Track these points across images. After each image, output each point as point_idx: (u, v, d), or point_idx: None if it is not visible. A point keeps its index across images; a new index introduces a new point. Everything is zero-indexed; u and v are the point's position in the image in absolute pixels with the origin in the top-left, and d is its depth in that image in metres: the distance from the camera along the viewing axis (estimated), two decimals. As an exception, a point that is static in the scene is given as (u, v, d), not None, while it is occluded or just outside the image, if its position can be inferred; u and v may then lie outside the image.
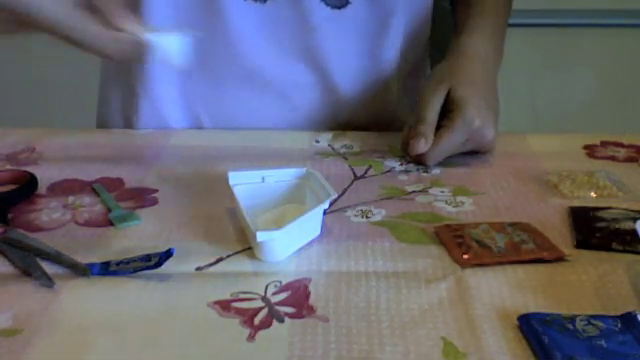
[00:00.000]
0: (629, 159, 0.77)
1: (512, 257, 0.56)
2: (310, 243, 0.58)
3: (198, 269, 0.55)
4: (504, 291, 0.52)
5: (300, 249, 0.57)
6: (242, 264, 0.56)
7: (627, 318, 0.47)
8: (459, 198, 0.67)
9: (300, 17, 0.82)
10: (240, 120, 0.86)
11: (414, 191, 0.69)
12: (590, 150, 0.80)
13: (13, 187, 0.68)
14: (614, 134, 0.84)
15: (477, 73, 0.79)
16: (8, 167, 0.74)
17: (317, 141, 0.82)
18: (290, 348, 0.46)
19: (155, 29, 0.55)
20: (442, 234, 0.59)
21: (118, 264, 0.54)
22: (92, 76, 0.95)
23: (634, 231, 0.56)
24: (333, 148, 0.80)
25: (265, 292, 0.52)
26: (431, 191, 0.69)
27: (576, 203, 0.66)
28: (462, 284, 0.53)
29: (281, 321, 0.49)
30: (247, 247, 0.58)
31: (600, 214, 0.62)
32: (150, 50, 0.53)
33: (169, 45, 0.56)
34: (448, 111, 0.74)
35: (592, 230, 0.60)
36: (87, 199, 0.67)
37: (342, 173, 0.73)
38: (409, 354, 0.46)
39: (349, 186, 0.70)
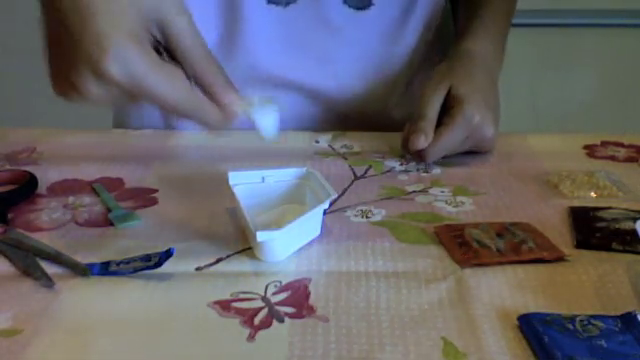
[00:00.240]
0: (629, 159, 0.77)
1: (512, 257, 0.56)
2: (310, 243, 0.58)
3: (198, 269, 0.55)
4: (504, 291, 0.52)
5: (300, 249, 0.57)
6: (242, 264, 0.56)
7: (627, 318, 0.47)
8: (459, 198, 0.67)
9: (321, 19, 0.83)
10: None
11: (414, 191, 0.69)
12: (590, 150, 0.80)
13: (13, 187, 0.68)
14: (614, 134, 0.84)
15: (478, 73, 0.79)
16: (8, 167, 0.74)
17: (317, 141, 0.82)
18: (290, 348, 0.46)
19: (252, 102, 0.58)
20: (442, 234, 0.59)
21: (118, 264, 0.54)
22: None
23: (634, 231, 0.56)
24: (333, 148, 0.80)
25: (265, 292, 0.52)
26: (431, 191, 0.69)
27: (576, 203, 0.66)
28: (462, 284, 0.53)
29: (281, 321, 0.49)
30: (247, 247, 0.58)
31: (600, 214, 0.62)
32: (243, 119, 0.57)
33: (264, 120, 0.59)
34: (448, 108, 0.74)
35: (592, 230, 0.60)
36: (87, 199, 0.67)
37: (342, 173, 0.73)
38: (409, 354, 0.46)
39: (349, 186, 0.70)
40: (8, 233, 0.59)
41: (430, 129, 0.73)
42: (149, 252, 0.55)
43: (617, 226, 0.60)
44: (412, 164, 0.75)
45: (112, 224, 0.62)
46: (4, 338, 0.47)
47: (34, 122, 0.94)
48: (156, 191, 0.69)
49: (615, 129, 0.87)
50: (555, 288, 0.53)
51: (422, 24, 0.87)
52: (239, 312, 0.50)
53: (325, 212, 0.59)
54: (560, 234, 0.60)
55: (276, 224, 0.58)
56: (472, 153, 0.77)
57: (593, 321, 0.47)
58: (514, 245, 0.57)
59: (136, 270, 0.53)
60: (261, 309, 0.50)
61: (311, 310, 0.50)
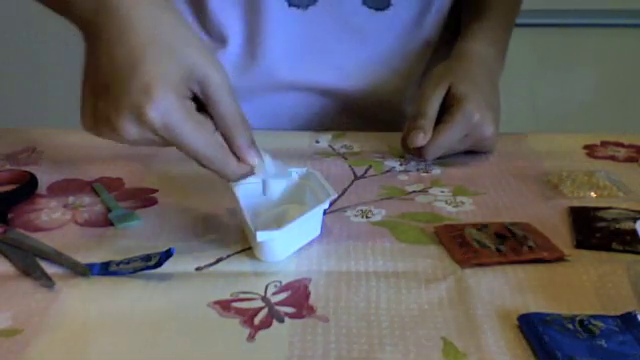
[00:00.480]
0: (629, 159, 0.77)
1: (512, 257, 0.56)
2: (310, 243, 0.58)
3: (198, 269, 0.55)
4: (504, 291, 0.52)
5: (300, 249, 0.57)
6: (242, 264, 0.56)
7: (627, 318, 0.47)
8: (459, 198, 0.67)
9: (341, 21, 0.83)
10: (273, 122, 0.88)
11: (414, 191, 0.69)
12: (590, 150, 0.80)
13: (13, 187, 0.68)
14: (614, 134, 0.84)
15: (478, 73, 0.79)
16: (8, 167, 0.74)
17: (317, 141, 0.82)
18: (290, 348, 0.46)
19: (267, 166, 0.59)
20: (442, 234, 0.59)
21: (118, 264, 0.54)
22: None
23: (634, 231, 0.56)
24: (333, 148, 0.80)
25: (265, 292, 0.52)
26: (431, 191, 0.69)
27: (576, 203, 0.66)
28: (462, 284, 0.53)
29: (281, 321, 0.49)
30: (247, 247, 0.58)
31: (600, 214, 0.62)
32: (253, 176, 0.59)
33: (274, 186, 0.62)
34: (448, 107, 0.74)
35: (592, 230, 0.60)
36: (87, 199, 0.67)
37: (342, 173, 0.73)
38: (409, 354, 0.46)
39: (349, 186, 0.70)
40: (8, 233, 0.59)
41: (429, 127, 0.73)
42: (149, 252, 0.55)
43: (617, 226, 0.60)
44: (412, 164, 0.75)
45: (112, 224, 0.62)
46: (4, 338, 0.47)
47: (34, 122, 0.94)
48: (156, 191, 0.69)
49: (615, 129, 0.87)
50: (555, 288, 0.53)
51: (438, 21, 0.88)
52: (239, 312, 0.50)
53: (325, 212, 0.59)
54: (560, 234, 0.60)
55: (276, 224, 0.58)
56: (472, 153, 0.77)
57: (593, 321, 0.47)
58: (514, 245, 0.57)
59: (136, 270, 0.53)
60: (261, 309, 0.50)
61: (311, 310, 0.50)
